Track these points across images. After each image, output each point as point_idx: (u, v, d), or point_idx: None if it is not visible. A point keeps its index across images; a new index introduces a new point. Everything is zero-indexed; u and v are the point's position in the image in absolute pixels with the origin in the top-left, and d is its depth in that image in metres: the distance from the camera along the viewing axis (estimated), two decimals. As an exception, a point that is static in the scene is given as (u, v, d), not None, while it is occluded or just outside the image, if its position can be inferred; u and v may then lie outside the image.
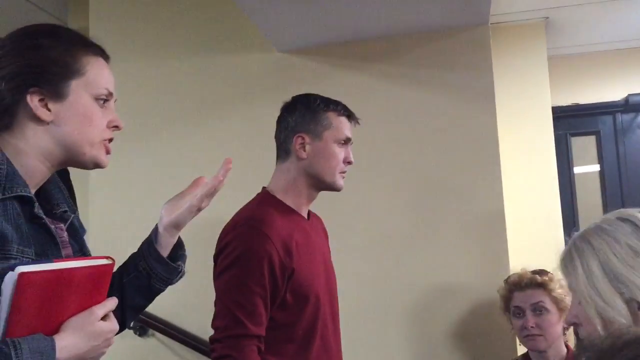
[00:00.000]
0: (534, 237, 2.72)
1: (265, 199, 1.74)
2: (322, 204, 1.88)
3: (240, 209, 1.74)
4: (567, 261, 1.07)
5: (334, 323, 1.76)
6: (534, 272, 2.11)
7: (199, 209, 1.22)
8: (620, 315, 0.97)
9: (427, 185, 2.48)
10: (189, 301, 2.46)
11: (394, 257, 2.46)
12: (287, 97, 1.83)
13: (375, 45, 2.58)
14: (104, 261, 0.99)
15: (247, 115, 2.64)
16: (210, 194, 1.21)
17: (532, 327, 2.03)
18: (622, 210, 1.09)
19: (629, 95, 3.27)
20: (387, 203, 2.49)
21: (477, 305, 2.39)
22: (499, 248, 2.39)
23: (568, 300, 1.96)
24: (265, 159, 1.88)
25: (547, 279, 2.05)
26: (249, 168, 2.20)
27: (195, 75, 2.72)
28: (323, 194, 1.81)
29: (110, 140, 1.15)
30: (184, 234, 1.27)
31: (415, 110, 2.53)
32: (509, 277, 2.19)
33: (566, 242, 1.12)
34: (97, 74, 1.11)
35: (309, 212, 1.82)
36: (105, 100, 1.13)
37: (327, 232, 1.94)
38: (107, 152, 1.14)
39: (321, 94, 1.81)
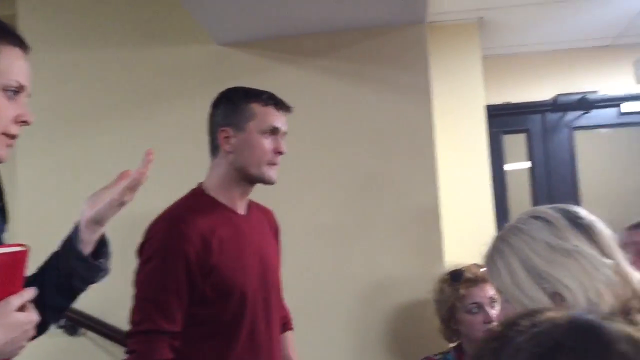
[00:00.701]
0: (467, 232, 2.79)
1: (193, 195, 1.73)
2: (258, 199, 1.88)
3: (170, 205, 1.72)
4: (490, 264, 1.10)
5: (267, 321, 1.74)
6: (451, 275, 2.12)
7: (122, 204, 1.18)
8: None
9: (364, 180, 2.51)
10: (121, 298, 2.39)
11: (330, 251, 2.47)
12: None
13: (314, 41, 2.58)
14: (17, 248, 0.95)
15: (184, 109, 2.59)
16: (133, 188, 1.17)
17: (496, 318, 2.00)
18: (534, 208, 1.13)
19: (558, 95, 3.40)
20: (324, 198, 2.51)
21: (413, 299, 2.44)
22: (434, 243, 2.45)
23: None
24: (203, 154, 1.86)
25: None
26: (185, 163, 2.17)
27: (129, 66, 2.65)
28: (261, 189, 1.79)
29: (14, 136, 1.09)
30: (121, 230, 1.23)
31: (353, 106, 2.55)
32: (456, 274, 2.17)
33: None
34: (10, 64, 1.06)
35: (251, 207, 1.81)
36: (16, 92, 1.07)
37: (278, 227, 1.93)
38: (8, 145, 1.08)
39: (259, 88, 1.80)
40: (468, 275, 2.12)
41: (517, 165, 3.55)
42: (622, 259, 1.03)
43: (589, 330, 0.52)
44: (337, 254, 2.47)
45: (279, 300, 1.85)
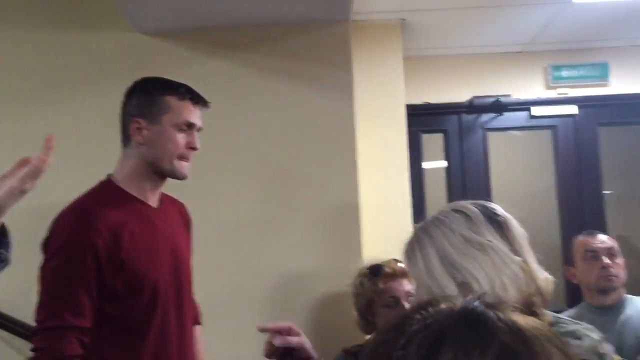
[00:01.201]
0: (385, 228, 2.85)
1: (102, 186, 1.69)
2: (174, 192, 1.84)
3: (78, 197, 1.67)
4: (409, 252, 1.14)
5: (179, 315, 1.72)
6: (370, 269, 2.15)
7: (22, 192, 1.14)
8: None
9: (284, 176, 2.52)
10: (31, 292, 2.29)
11: (247, 246, 2.46)
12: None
13: (238, 34, 2.56)
14: None
15: (99, 97, 2.50)
16: (34, 175, 1.13)
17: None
18: (456, 202, 1.18)
19: (473, 97, 3.54)
20: (242, 192, 2.49)
21: (332, 293, 2.47)
22: (353, 238, 2.49)
23: None
24: (117, 144, 1.80)
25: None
26: (100, 153, 2.10)
27: (43, 51, 2.54)
28: (176, 181, 1.76)
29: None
30: (27, 222, 1.18)
31: (275, 101, 2.55)
32: (375, 269, 2.20)
33: None
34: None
35: (163, 199, 1.77)
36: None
37: (190, 220, 1.90)
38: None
39: (179, 80, 1.76)
40: (387, 270, 2.16)
41: (435, 164, 3.67)
42: (531, 257, 1.09)
43: (473, 319, 0.53)
44: (255, 248, 2.47)
45: (191, 294, 1.83)
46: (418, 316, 0.55)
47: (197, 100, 1.72)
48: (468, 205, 1.14)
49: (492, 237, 1.08)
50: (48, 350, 1.50)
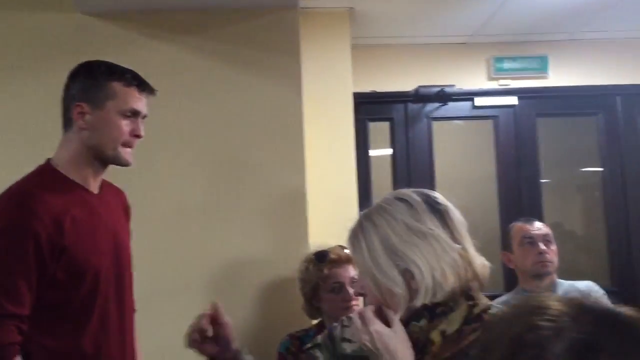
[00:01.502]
0: (332, 215, 2.88)
1: (42, 171, 1.65)
2: (119, 178, 1.82)
3: (18, 180, 1.63)
4: (353, 239, 1.17)
5: (119, 302, 1.70)
6: (316, 255, 2.19)
7: None
8: (396, 284, 1.10)
9: (231, 163, 2.51)
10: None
11: (194, 232, 2.45)
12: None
13: (185, 17, 2.53)
14: None
15: (41, 78, 2.42)
16: None
17: (354, 299, 2.11)
18: (400, 190, 1.21)
19: (419, 86, 3.60)
20: (189, 179, 2.48)
21: (278, 278, 2.49)
22: (299, 224, 2.51)
23: None
24: (59, 127, 1.76)
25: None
26: (39, 137, 2.04)
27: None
28: (122, 168, 1.74)
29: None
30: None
31: (222, 86, 2.54)
32: (321, 255, 2.22)
33: None
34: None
35: (104, 186, 1.75)
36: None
37: (129, 208, 1.88)
38: None
39: (124, 63, 1.73)
40: (332, 256, 2.20)
41: (380, 152, 3.73)
42: (469, 244, 1.14)
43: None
44: (201, 235, 2.46)
45: (131, 281, 1.81)
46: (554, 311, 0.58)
47: (144, 87, 1.69)
48: (411, 193, 1.17)
49: (433, 225, 1.12)
50: None
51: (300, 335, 2.29)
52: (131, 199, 1.94)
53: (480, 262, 1.14)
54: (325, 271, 2.18)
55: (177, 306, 2.40)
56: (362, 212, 1.20)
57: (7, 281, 1.50)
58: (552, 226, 2.82)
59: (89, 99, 1.63)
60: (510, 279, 3.23)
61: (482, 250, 3.76)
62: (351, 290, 2.13)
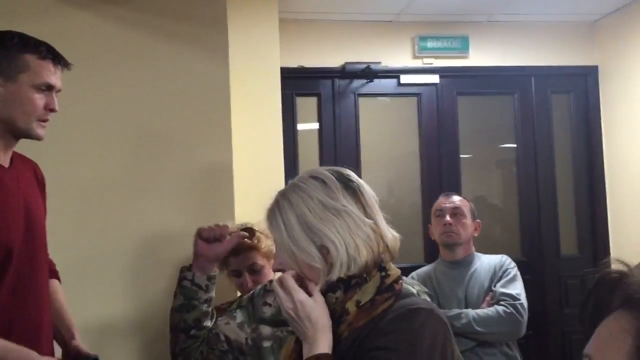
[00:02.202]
0: (258, 189, 2.89)
1: None
2: (33, 150, 1.79)
3: None
4: (271, 217, 1.21)
5: (33, 276, 1.67)
6: (243, 231, 2.11)
7: None
8: (314, 260, 1.16)
9: (155, 137, 2.47)
10: None
11: (115, 207, 2.39)
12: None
13: (109, -14, 2.46)
14: None
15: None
16: None
17: (251, 285, 2.13)
18: (315, 168, 1.26)
19: (346, 63, 3.66)
20: (110, 153, 2.41)
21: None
22: (226, 200, 2.52)
23: (273, 247, 2.09)
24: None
25: (255, 240, 2.13)
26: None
27: None
28: (37, 142, 1.70)
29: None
30: None
31: (147, 59, 2.48)
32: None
33: None
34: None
35: (14, 159, 1.70)
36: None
37: (44, 180, 1.84)
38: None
39: (41, 32, 1.67)
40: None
41: (307, 126, 3.78)
42: (380, 218, 1.21)
43: None
44: (123, 209, 2.42)
45: (46, 254, 1.78)
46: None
47: (59, 60, 1.65)
48: (325, 171, 1.22)
49: (346, 202, 1.17)
50: None
51: (225, 307, 2.32)
52: (47, 173, 1.89)
53: (391, 235, 1.21)
54: (226, 260, 2.18)
55: (97, 281, 2.38)
56: (278, 191, 1.24)
57: None
58: (473, 200, 2.94)
59: (1, 71, 1.58)
60: (432, 251, 3.38)
61: (405, 223, 3.94)
62: (250, 277, 2.15)
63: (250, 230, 2.12)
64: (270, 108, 3.13)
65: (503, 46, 3.87)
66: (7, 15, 2.29)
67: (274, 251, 2.05)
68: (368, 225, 1.17)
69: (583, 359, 0.70)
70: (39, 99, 1.61)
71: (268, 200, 1.25)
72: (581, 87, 3.98)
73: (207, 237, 1.90)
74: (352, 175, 1.24)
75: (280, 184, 3.03)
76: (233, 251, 2.13)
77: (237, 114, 2.74)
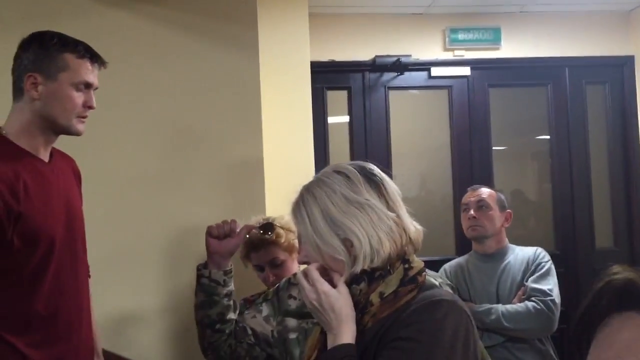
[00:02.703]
0: (288, 182, 2.91)
1: None
2: (72, 147, 1.85)
3: None
4: (296, 211, 1.24)
5: (74, 267, 1.75)
6: (262, 227, 2.14)
7: None
8: (338, 252, 1.18)
9: (189, 131, 2.53)
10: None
11: (149, 200, 2.45)
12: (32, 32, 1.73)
13: (142, -15, 2.51)
14: None
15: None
16: None
17: (273, 279, 2.16)
18: (338, 163, 1.29)
19: (376, 56, 3.67)
20: (144, 147, 2.48)
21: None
22: (257, 194, 2.56)
23: (296, 240, 2.06)
24: (6, 97, 1.77)
25: (274, 236, 2.13)
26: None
27: None
28: (73, 137, 1.77)
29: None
30: None
31: (180, 56, 2.54)
32: (264, 227, 2.17)
33: None
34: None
35: (53, 154, 1.78)
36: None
37: (80, 175, 1.92)
38: None
39: (77, 30, 1.74)
40: (247, 241, 2.17)
41: (338, 119, 3.80)
42: (403, 211, 1.23)
43: None
44: (159, 202, 2.48)
45: (84, 247, 1.85)
46: None
47: (96, 59, 1.72)
48: (348, 166, 1.25)
49: (369, 196, 1.20)
50: None
51: (254, 298, 2.36)
52: (84, 167, 1.96)
53: (414, 228, 1.22)
54: (247, 255, 2.22)
55: (130, 274, 2.45)
56: (303, 186, 1.27)
57: None
58: (506, 192, 2.91)
59: (42, 69, 1.65)
60: (463, 244, 3.37)
61: (437, 216, 3.90)
62: (272, 271, 2.16)
63: (270, 225, 2.14)
64: (300, 102, 3.15)
65: (536, 37, 3.82)
66: (45, 15, 2.36)
67: (296, 245, 2.12)
68: (391, 219, 1.19)
69: None
70: (78, 97, 1.68)
71: (295, 194, 1.28)
72: (617, 78, 3.90)
73: (217, 234, 1.94)
74: (375, 169, 1.26)
75: (310, 177, 3.05)
76: (253, 246, 2.17)
77: (268, 108, 2.77)
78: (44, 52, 1.66)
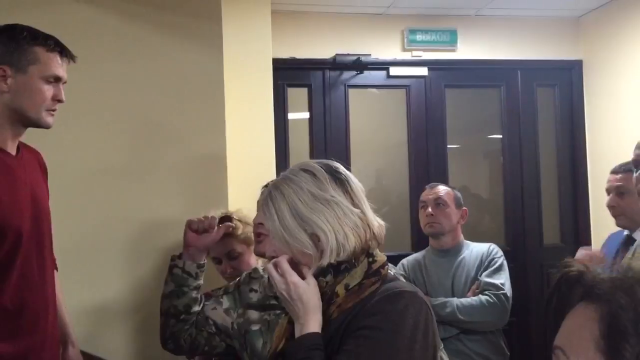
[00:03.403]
0: (250, 176, 2.97)
1: None
2: (36, 139, 1.85)
3: None
4: (264, 207, 1.29)
5: (40, 260, 1.75)
6: (220, 220, 2.18)
7: None
8: (306, 246, 1.24)
9: (151, 125, 2.54)
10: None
11: (112, 193, 2.46)
12: (-1, 23, 1.72)
13: (105, -22, 2.51)
14: None
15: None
16: None
17: (230, 271, 2.25)
18: (305, 161, 1.33)
19: (337, 54, 3.73)
20: (107, 140, 2.48)
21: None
22: (219, 188, 2.59)
23: (252, 235, 2.19)
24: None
25: (232, 229, 2.17)
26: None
27: None
28: (37, 130, 1.77)
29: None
30: None
31: (144, 49, 2.54)
32: (223, 219, 2.25)
33: None
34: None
35: (20, 147, 1.78)
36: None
37: (46, 168, 1.92)
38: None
39: (41, 23, 1.75)
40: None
41: (298, 115, 3.85)
42: (367, 207, 1.29)
43: None
44: (120, 196, 2.49)
45: (51, 240, 1.86)
46: None
47: (65, 53, 1.74)
48: (314, 164, 1.30)
49: (335, 193, 1.25)
50: None
51: (215, 293, 2.41)
52: (49, 160, 1.96)
53: (377, 223, 1.29)
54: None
55: (94, 265, 2.46)
56: (270, 183, 1.32)
57: None
58: (460, 190, 3.01)
59: (11, 62, 1.65)
60: (419, 239, 3.47)
61: (393, 212, 4.00)
62: (229, 263, 2.24)
63: (227, 218, 2.20)
64: (262, 98, 3.19)
65: (490, 40, 3.95)
66: (8, 6, 2.33)
67: (252, 238, 2.18)
68: (355, 214, 1.25)
69: (554, 350, 0.77)
70: (48, 90, 1.70)
71: (259, 188, 1.32)
72: (566, 81, 4.08)
73: (196, 228, 1.99)
74: (340, 167, 1.31)
75: (271, 172, 3.10)
76: None
77: (230, 104, 2.79)
78: (14, 44, 1.66)
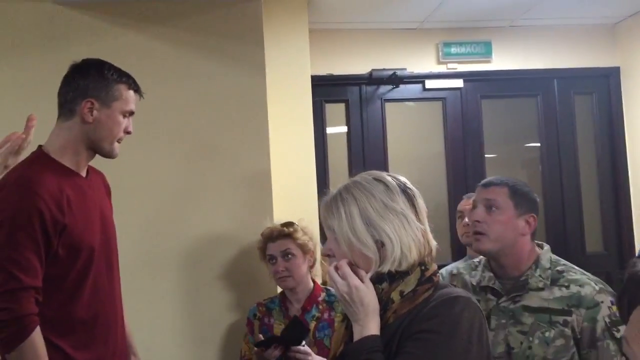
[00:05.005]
0: (292, 191, 3.07)
1: (37, 158, 1.79)
2: (103, 163, 1.97)
3: (12, 168, 1.77)
4: (332, 206, 1.35)
5: (109, 274, 1.88)
6: (283, 224, 2.43)
7: (6, 167, 1.26)
8: (369, 250, 1.30)
9: (202, 145, 2.66)
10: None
11: (169, 211, 2.61)
12: (61, 51, 1.88)
13: (153, 7, 2.64)
14: None
15: (14, 66, 2.50)
16: (16, 152, 1.25)
17: (282, 270, 2.37)
18: (375, 172, 1.40)
19: (373, 70, 3.80)
20: (163, 162, 2.62)
21: (245, 252, 2.67)
22: (265, 201, 2.69)
23: (310, 244, 2.41)
24: (35, 112, 1.87)
25: (292, 230, 2.40)
26: (15, 121, 2.14)
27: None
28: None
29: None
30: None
31: (192, 74, 2.67)
32: (263, 231, 2.47)
33: (319, 194, 1.39)
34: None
35: (89, 170, 1.91)
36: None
37: (110, 188, 2.04)
38: None
39: (95, 52, 1.89)
40: (266, 232, 2.45)
41: (336, 130, 3.92)
42: (427, 227, 1.36)
43: None
44: (174, 213, 2.61)
45: (117, 255, 1.98)
46: None
47: (139, 91, 1.91)
48: (386, 176, 1.37)
49: (404, 206, 1.32)
50: (9, 310, 1.61)
51: (266, 302, 2.50)
52: (113, 181, 2.08)
53: (434, 244, 1.36)
54: (264, 245, 2.45)
55: (151, 278, 2.57)
56: (341, 186, 1.38)
57: (21, 257, 1.64)
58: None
59: (99, 97, 1.81)
60: (458, 250, 3.50)
61: (432, 223, 4.01)
62: (283, 263, 2.38)
63: (290, 223, 2.39)
64: (302, 115, 3.27)
65: (525, 50, 3.98)
66: (65, 35, 2.48)
67: (310, 247, 2.29)
68: (420, 230, 1.32)
69: (622, 339, 0.88)
70: (123, 124, 1.86)
71: (302, 201, 1.37)
72: (603, 88, 4.07)
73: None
74: (408, 183, 1.39)
75: (312, 185, 3.18)
76: (271, 238, 2.41)
77: (273, 121, 2.90)
78: (103, 81, 1.82)
